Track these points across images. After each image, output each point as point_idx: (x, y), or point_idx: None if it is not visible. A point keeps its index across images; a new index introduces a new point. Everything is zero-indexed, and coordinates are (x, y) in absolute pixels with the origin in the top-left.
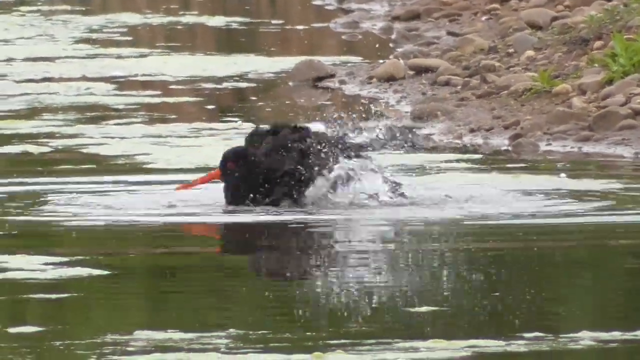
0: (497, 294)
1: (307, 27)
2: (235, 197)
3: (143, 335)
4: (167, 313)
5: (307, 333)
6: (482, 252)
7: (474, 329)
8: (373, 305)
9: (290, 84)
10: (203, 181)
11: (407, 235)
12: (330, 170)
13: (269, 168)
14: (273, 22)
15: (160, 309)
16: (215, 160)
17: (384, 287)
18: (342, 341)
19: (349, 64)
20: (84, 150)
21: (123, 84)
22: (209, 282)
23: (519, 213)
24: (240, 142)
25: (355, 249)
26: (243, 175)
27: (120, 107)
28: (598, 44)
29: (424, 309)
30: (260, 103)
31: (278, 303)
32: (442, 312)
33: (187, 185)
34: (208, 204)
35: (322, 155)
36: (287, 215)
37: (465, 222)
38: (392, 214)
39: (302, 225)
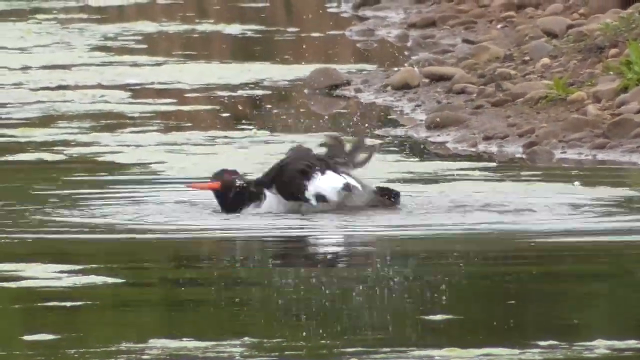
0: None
1: (322, 34)
2: (232, 207)
3: (158, 343)
4: (182, 321)
5: (322, 341)
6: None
7: (488, 337)
8: (388, 313)
9: (306, 91)
10: (203, 187)
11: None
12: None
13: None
14: (288, 30)
15: (175, 317)
16: (231, 167)
17: (398, 294)
18: (358, 349)
19: (364, 72)
20: (99, 159)
21: (138, 91)
22: (223, 290)
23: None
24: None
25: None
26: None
27: (136, 115)
28: (613, 51)
29: (438, 317)
30: (275, 111)
31: (292, 312)
32: (457, 320)
33: (197, 185)
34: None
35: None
36: (291, 221)
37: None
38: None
39: (315, 235)
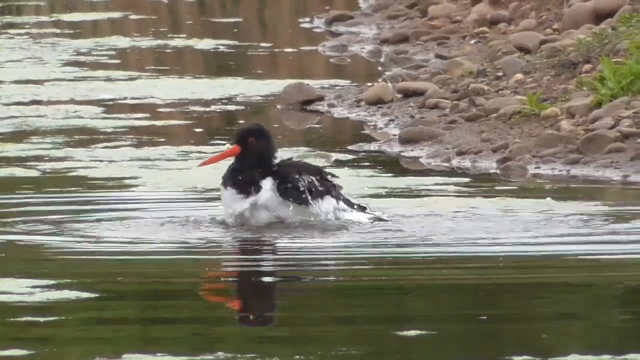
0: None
1: (295, 50)
2: (247, 176)
3: (132, 358)
4: (157, 336)
5: (296, 356)
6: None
7: (463, 352)
8: (362, 330)
9: (279, 107)
10: (221, 157)
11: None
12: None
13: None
14: (262, 45)
15: (150, 332)
16: (203, 182)
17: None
18: None
19: (338, 87)
20: (73, 174)
21: (112, 106)
22: (198, 306)
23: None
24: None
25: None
26: (263, 151)
27: (109, 130)
28: (587, 67)
29: (412, 332)
30: (250, 121)
31: (266, 327)
32: (432, 336)
33: (209, 160)
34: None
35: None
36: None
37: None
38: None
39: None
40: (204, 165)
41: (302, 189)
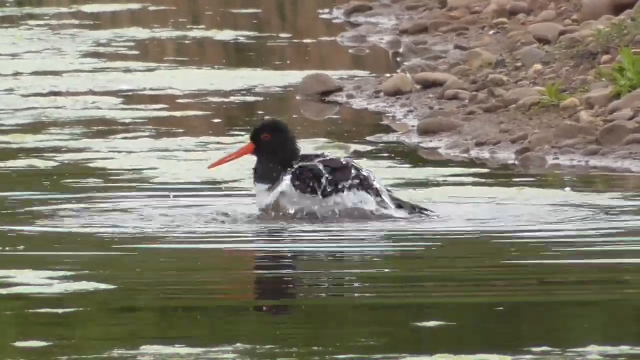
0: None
1: (314, 40)
2: (268, 171)
3: (150, 349)
4: (174, 327)
5: (314, 347)
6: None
7: (481, 343)
8: (380, 320)
9: (298, 97)
10: (234, 157)
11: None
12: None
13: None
14: (281, 35)
15: (167, 323)
16: (222, 174)
17: (393, 300)
18: (350, 356)
19: (356, 78)
20: (91, 165)
21: (130, 97)
22: (216, 297)
23: None
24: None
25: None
26: (279, 146)
27: (127, 121)
28: (605, 57)
29: (431, 323)
30: (267, 117)
31: (285, 317)
32: (449, 327)
33: (218, 162)
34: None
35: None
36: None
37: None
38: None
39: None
40: (214, 167)
41: (310, 182)
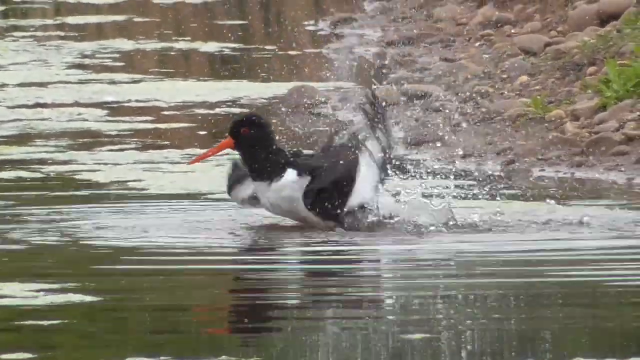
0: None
1: (300, 52)
2: (254, 168)
3: None
4: (161, 340)
5: None
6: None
7: (469, 356)
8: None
9: (283, 109)
10: (214, 152)
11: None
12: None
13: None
14: (266, 47)
15: (154, 336)
16: (207, 186)
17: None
18: None
19: (342, 90)
20: (76, 177)
21: (116, 109)
22: (204, 311)
23: None
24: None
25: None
26: (258, 140)
27: (113, 133)
28: (591, 69)
29: (417, 336)
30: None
31: (272, 331)
32: (436, 339)
33: (199, 157)
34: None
35: None
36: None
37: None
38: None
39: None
40: (194, 163)
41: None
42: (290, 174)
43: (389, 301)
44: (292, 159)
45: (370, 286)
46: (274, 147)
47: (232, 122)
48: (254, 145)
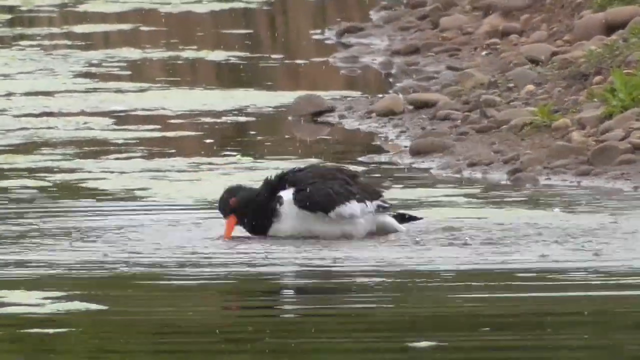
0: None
1: (306, 61)
2: (256, 227)
3: None
4: (166, 349)
5: None
6: None
7: None
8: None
9: (290, 118)
10: (231, 231)
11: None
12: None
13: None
14: (273, 56)
15: (159, 344)
16: (214, 194)
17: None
18: None
19: (349, 99)
20: (83, 185)
21: (122, 118)
22: (209, 318)
23: None
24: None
25: None
26: (247, 199)
27: (120, 141)
28: (597, 78)
29: (423, 344)
30: (259, 137)
31: (273, 338)
32: (442, 348)
33: (227, 233)
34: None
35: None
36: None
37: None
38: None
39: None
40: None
41: (318, 198)
42: (285, 195)
43: None
44: (276, 180)
45: None
46: (258, 193)
47: (220, 204)
48: (247, 205)
